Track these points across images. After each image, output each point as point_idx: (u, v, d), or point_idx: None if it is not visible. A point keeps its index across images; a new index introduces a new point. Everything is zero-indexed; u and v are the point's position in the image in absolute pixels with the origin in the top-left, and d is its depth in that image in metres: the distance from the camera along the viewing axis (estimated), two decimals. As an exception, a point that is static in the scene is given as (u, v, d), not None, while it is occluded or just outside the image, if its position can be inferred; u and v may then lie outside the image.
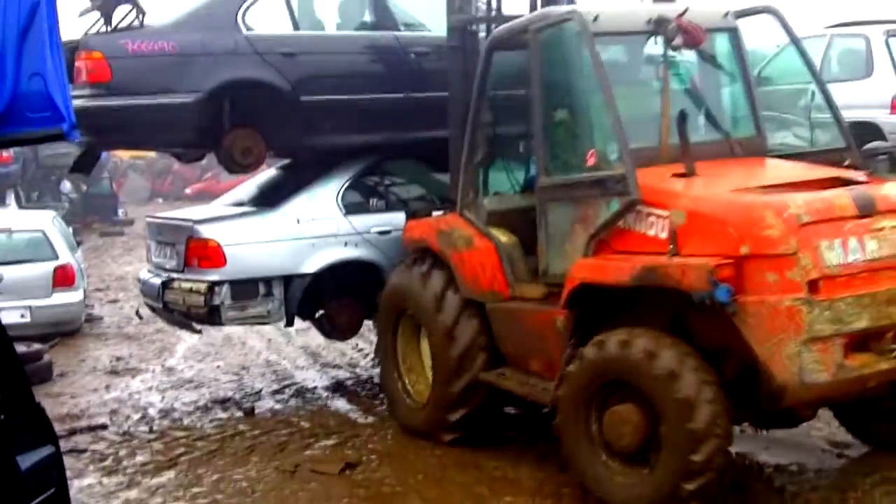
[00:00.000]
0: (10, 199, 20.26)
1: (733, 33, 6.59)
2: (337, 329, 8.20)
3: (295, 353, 10.26)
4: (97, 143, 7.53)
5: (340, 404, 8.22)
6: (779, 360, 5.09)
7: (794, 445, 6.61)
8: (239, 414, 8.09)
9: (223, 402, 8.49)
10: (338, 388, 8.74)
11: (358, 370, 9.32)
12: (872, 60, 10.57)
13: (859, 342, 5.28)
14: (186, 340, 10.98)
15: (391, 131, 7.87)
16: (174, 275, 7.79)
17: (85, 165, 7.82)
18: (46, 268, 11.28)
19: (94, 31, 7.51)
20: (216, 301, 7.47)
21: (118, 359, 10.47)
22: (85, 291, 12.28)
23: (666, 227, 5.45)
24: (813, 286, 5.08)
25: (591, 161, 5.96)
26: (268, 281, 7.58)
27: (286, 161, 8.92)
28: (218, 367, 9.88)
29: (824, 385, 5.18)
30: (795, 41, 6.65)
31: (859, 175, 5.74)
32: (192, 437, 7.54)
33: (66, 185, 24.63)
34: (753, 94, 6.58)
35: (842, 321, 5.11)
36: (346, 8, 8.25)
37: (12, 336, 4.16)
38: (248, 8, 7.54)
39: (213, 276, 7.48)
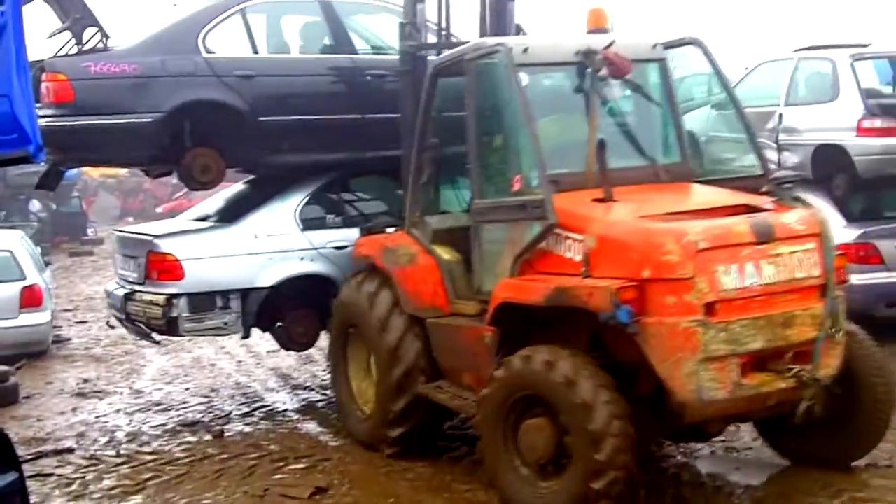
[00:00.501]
0: None
1: (661, 64, 6.97)
2: (294, 340, 8.61)
3: (265, 375, 10.36)
4: (61, 161, 7.99)
5: (311, 427, 8.28)
6: (678, 378, 5.48)
7: (766, 466, 6.80)
8: (208, 437, 8.14)
9: (192, 425, 8.54)
10: (308, 410, 8.82)
11: (329, 392, 9.05)
12: (839, 84, 10.74)
13: (758, 362, 5.65)
14: (155, 362, 11.14)
15: (347, 150, 8.29)
16: (136, 287, 8.25)
17: (50, 182, 8.29)
18: (13, 288, 11.25)
19: (63, 52, 7.96)
20: (174, 313, 7.91)
21: (85, 381, 10.49)
22: (52, 312, 12.28)
23: (580, 250, 5.85)
24: (709, 308, 5.44)
25: (516, 186, 6.40)
26: (225, 294, 8.01)
27: (252, 176, 9.34)
28: (187, 389, 9.95)
29: (722, 402, 5.55)
30: (717, 70, 7.03)
31: (767, 202, 6.10)
32: (161, 460, 7.58)
33: (35, 205, 24.72)
34: (680, 121, 6.97)
35: (737, 342, 5.48)
36: (307, 32, 8.66)
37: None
38: (208, 32, 7.99)
39: (172, 289, 7.92)
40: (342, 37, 8.46)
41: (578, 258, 5.85)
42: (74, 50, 7.92)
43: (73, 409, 9.30)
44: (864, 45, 11.38)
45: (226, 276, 8.01)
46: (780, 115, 11.22)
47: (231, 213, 8.49)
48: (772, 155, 11.34)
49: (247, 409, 8.97)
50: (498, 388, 5.96)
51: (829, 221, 6.00)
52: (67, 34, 7.99)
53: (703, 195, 6.45)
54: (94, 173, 31.65)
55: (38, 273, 11.80)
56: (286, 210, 8.26)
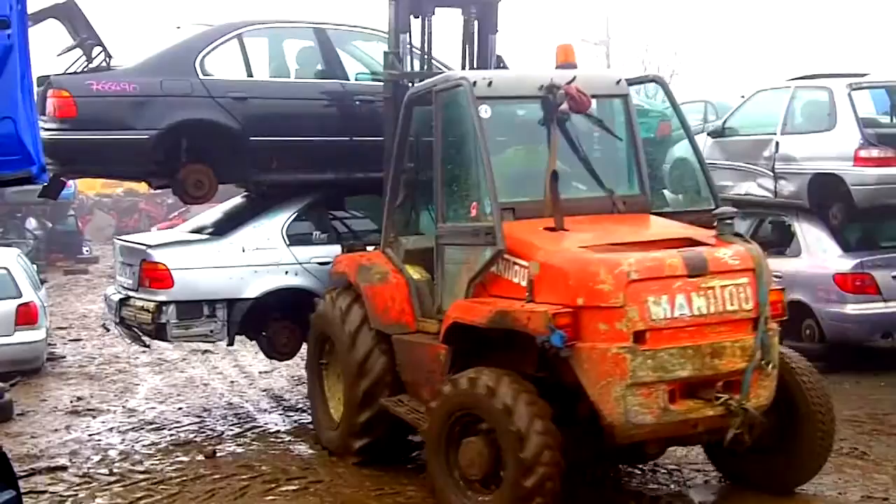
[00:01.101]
0: None
1: (625, 99, 7.32)
2: (277, 350, 9.08)
3: (258, 396, 10.47)
4: (63, 172, 8.50)
5: (303, 448, 8.37)
6: (607, 400, 5.82)
7: (760, 497, 6.89)
8: (200, 457, 8.20)
9: (184, 445, 8.60)
10: (301, 431, 8.87)
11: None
12: (836, 113, 10.84)
13: (688, 389, 5.96)
14: (148, 381, 11.34)
15: (335, 171, 8.73)
16: (130, 293, 8.77)
17: (51, 192, 8.78)
18: (9, 306, 11.32)
19: (72, 69, 8.47)
20: (163, 319, 8.41)
21: (79, 399, 10.55)
22: (47, 330, 12.31)
23: (525, 276, 6.22)
24: (639, 336, 5.78)
25: (473, 212, 6.80)
26: (212, 303, 8.50)
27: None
28: (180, 408, 10.06)
29: (650, 426, 5.89)
30: (675, 107, 7.38)
31: (709, 237, 6.41)
32: (153, 480, 7.63)
33: (32, 223, 25.09)
34: (640, 155, 7.28)
35: (665, 369, 5.81)
36: (301, 57, 9.12)
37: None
38: (205, 55, 8.48)
39: (162, 297, 8.43)
40: (334, 62, 8.91)
41: (524, 283, 6.22)
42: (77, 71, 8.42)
43: (67, 427, 9.40)
44: (862, 75, 11.55)
45: (213, 286, 8.49)
46: (777, 144, 11.40)
47: (223, 227, 8.97)
48: (768, 183, 11.54)
49: (239, 430, 9.08)
50: (443, 403, 6.34)
51: (765, 257, 6.28)
52: (77, 52, 8.49)
53: (653, 227, 6.78)
54: (90, 192, 31.91)
55: (33, 291, 11.94)
56: (274, 226, 8.72)
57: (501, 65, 8.48)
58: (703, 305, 5.93)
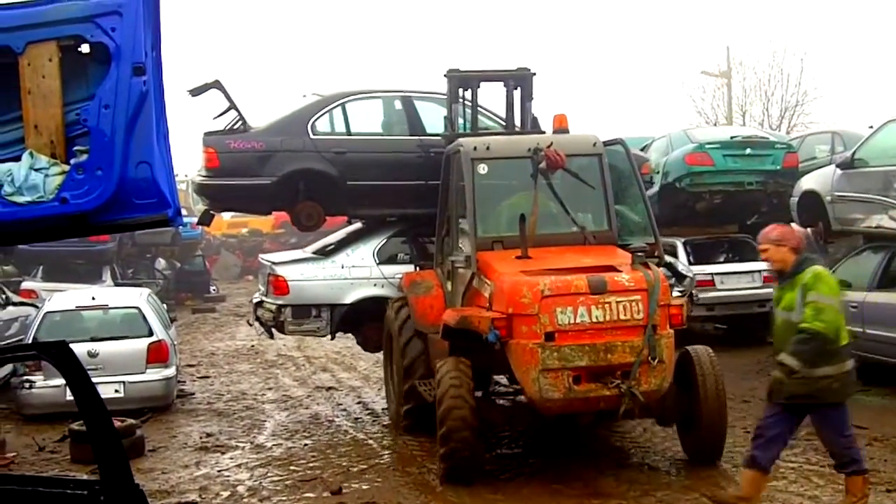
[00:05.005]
0: (107, 275, 22.07)
1: (599, 157, 10.15)
2: (368, 344, 12.52)
3: (381, 433, 11.39)
4: (212, 207, 12.30)
5: (427, 484, 9.15)
6: (527, 381, 8.70)
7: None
8: (326, 493, 8.87)
9: (311, 481, 9.30)
10: (424, 468, 9.65)
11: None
12: None
13: (593, 376, 8.70)
14: (275, 418, 12.55)
15: (412, 207, 11.96)
16: (263, 298, 12.44)
17: (205, 221, 12.63)
18: (141, 344, 12.54)
19: (230, 126, 12.11)
20: (282, 317, 11.99)
21: (208, 435, 11.49)
22: (177, 367, 13.42)
23: (488, 291, 9.25)
24: (549, 336, 8.57)
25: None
26: (318, 306, 11.99)
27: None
28: (306, 445, 10.91)
29: (559, 400, 8.64)
30: (633, 166, 10.06)
31: (626, 265, 9.14)
32: None
33: (161, 263, 27.58)
34: (609, 199, 10.05)
35: (567, 360, 8.56)
36: (391, 118, 12.40)
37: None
38: (316, 119, 11.95)
39: (281, 301, 12.00)
40: (416, 122, 12.16)
41: (488, 296, 9.24)
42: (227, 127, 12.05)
43: (197, 463, 10.24)
44: None
45: (319, 293, 11.99)
46: None
47: (333, 249, 12.46)
48: None
49: (364, 466, 9.87)
50: (435, 382, 9.45)
51: (661, 281, 8.92)
52: (229, 114, 12.11)
53: (595, 257, 9.51)
54: (216, 233, 34.86)
55: (163, 329, 13.11)
56: (368, 248, 12.14)
57: (537, 125, 11.45)
58: (601, 315, 8.62)
